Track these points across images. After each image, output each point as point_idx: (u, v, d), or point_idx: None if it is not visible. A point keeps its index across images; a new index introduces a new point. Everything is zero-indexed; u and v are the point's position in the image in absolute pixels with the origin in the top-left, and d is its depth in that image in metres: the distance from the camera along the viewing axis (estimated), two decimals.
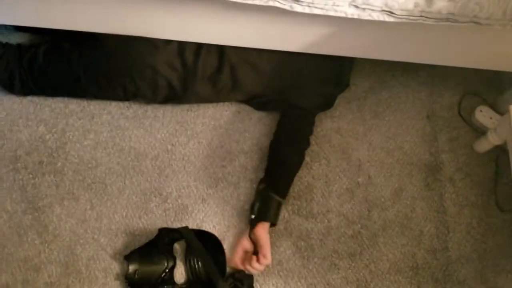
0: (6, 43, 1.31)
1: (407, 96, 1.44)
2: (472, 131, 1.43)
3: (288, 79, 1.29)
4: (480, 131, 1.41)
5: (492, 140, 1.31)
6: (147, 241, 1.19)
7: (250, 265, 1.15)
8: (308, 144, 1.31)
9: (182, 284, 1.18)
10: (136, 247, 1.19)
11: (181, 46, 1.21)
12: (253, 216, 1.21)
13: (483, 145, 1.36)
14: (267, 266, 1.19)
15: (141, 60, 1.21)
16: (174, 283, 1.17)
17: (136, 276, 1.14)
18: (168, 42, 1.20)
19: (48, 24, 1.11)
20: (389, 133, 1.39)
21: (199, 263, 1.19)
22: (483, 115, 1.41)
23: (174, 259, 1.18)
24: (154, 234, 1.19)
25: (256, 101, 1.36)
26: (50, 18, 1.10)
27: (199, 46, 1.22)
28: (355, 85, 1.43)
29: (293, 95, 1.30)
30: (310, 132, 1.32)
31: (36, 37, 1.38)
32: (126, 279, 1.14)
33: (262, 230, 1.18)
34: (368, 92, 1.44)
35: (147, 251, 1.17)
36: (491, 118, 1.41)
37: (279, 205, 1.22)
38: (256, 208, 1.23)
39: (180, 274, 1.19)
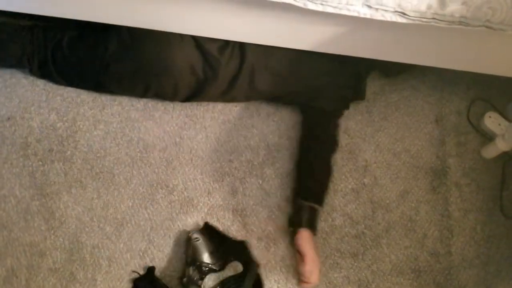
0: (34, 24, 1.30)
1: (417, 99, 1.44)
2: (480, 136, 1.42)
3: (306, 82, 1.29)
4: (488, 137, 1.41)
5: (500, 146, 1.31)
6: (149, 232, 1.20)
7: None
8: (335, 144, 1.31)
9: None
10: (140, 237, 1.20)
11: (204, 48, 1.21)
12: (291, 229, 1.23)
13: (491, 151, 1.36)
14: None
15: (169, 60, 1.21)
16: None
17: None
18: (192, 44, 1.21)
19: (61, 13, 1.12)
20: (397, 135, 1.39)
21: None
22: (492, 121, 1.41)
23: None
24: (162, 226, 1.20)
25: (276, 101, 1.37)
26: (66, 7, 1.11)
27: (221, 49, 1.22)
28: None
29: (311, 97, 1.31)
30: (335, 132, 1.32)
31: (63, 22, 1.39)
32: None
33: (301, 239, 1.18)
34: (378, 93, 1.44)
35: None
36: (499, 124, 1.41)
37: (312, 211, 1.22)
38: (289, 218, 1.25)
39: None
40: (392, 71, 1.41)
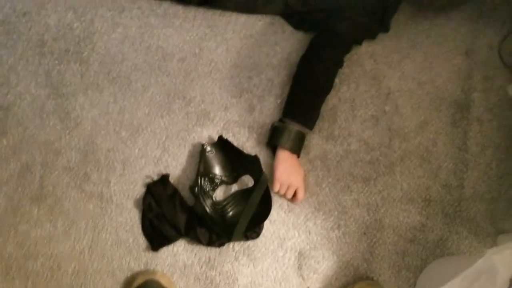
0: None
1: (449, 28, 1.37)
2: (509, 73, 1.37)
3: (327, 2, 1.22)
4: None
5: None
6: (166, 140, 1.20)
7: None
8: (334, 75, 1.25)
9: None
10: (155, 145, 1.20)
11: None
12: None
13: None
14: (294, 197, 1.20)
15: None
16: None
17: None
18: None
19: None
20: (424, 64, 1.34)
21: (237, 209, 1.19)
22: None
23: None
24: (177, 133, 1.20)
25: (294, 18, 1.30)
26: None
27: None
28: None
29: (333, 18, 1.24)
30: (340, 64, 1.26)
31: None
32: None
33: (275, 159, 1.18)
34: (409, 19, 1.37)
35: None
36: None
37: (299, 134, 1.18)
38: (269, 135, 1.23)
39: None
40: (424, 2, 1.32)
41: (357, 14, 1.23)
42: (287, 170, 1.17)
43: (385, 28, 1.29)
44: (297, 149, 1.19)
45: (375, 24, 1.27)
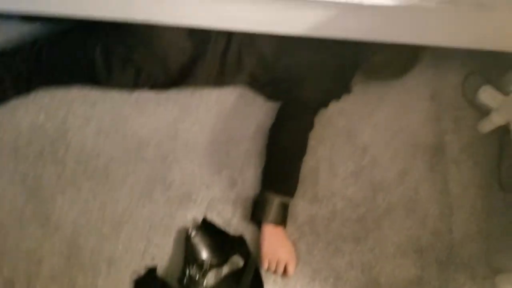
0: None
1: (412, 77, 1.41)
2: (476, 111, 1.41)
3: (291, 68, 1.26)
4: (484, 112, 1.40)
5: (495, 120, 1.30)
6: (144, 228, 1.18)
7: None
8: (306, 139, 1.26)
9: None
10: (139, 237, 1.19)
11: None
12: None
13: (487, 126, 1.35)
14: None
15: (156, 41, 1.17)
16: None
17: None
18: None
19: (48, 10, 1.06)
20: (393, 114, 1.38)
21: None
22: (487, 96, 1.39)
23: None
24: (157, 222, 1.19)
25: (259, 86, 1.34)
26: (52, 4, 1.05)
27: (209, 30, 1.19)
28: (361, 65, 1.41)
29: (293, 85, 1.27)
30: (309, 128, 1.27)
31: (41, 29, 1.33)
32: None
33: (262, 235, 1.18)
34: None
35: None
36: (494, 98, 1.39)
37: (281, 205, 1.18)
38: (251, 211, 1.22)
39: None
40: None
41: (319, 80, 1.27)
42: (273, 245, 1.16)
43: (348, 90, 1.33)
44: (281, 221, 1.19)
45: (338, 87, 1.31)
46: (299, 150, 1.26)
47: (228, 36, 1.21)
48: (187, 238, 1.18)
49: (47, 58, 1.20)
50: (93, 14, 1.05)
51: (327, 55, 1.26)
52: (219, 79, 1.30)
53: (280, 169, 1.24)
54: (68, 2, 1.03)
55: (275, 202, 1.18)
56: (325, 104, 1.33)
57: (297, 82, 1.28)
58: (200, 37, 1.19)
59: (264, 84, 1.32)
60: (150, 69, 1.22)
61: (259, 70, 1.27)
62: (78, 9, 1.04)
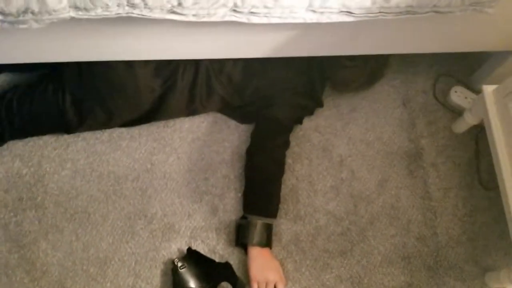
0: None
1: (382, 85, 1.44)
2: (449, 112, 1.43)
3: (261, 88, 1.28)
4: (457, 112, 1.41)
5: (469, 120, 1.31)
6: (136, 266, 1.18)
7: None
8: (283, 158, 1.27)
9: None
10: (126, 273, 1.18)
11: (158, 64, 1.20)
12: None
13: (461, 126, 1.37)
14: None
15: (129, 85, 1.19)
16: None
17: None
18: (145, 63, 1.19)
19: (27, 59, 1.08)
20: (367, 125, 1.39)
21: None
22: (458, 96, 1.41)
23: None
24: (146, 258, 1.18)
25: (230, 110, 1.35)
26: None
27: (176, 62, 1.21)
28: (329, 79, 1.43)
29: (268, 105, 1.29)
30: (285, 146, 1.29)
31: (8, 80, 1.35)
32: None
33: (249, 258, 1.18)
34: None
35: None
36: (466, 97, 1.41)
37: (264, 226, 1.18)
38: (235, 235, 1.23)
39: None
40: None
41: (289, 97, 1.28)
42: (260, 267, 1.16)
43: (319, 104, 1.34)
44: (266, 242, 1.19)
45: (309, 101, 1.32)
46: (277, 170, 1.27)
47: (196, 64, 1.23)
48: (174, 269, 1.18)
49: (18, 111, 1.21)
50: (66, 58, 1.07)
51: (295, 72, 1.29)
52: (191, 108, 1.31)
53: (259, 191, 1.24)
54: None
55: (258, 224, 1.18)
56: (298, 120, 1.34)
57: (268, 101, 1.29)
58: (168, 72, 1.21)
59: (236, 107, 1.34)
60: (121, 112, 1.24)
61: (229, 94, 1.29)
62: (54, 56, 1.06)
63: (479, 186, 1.34)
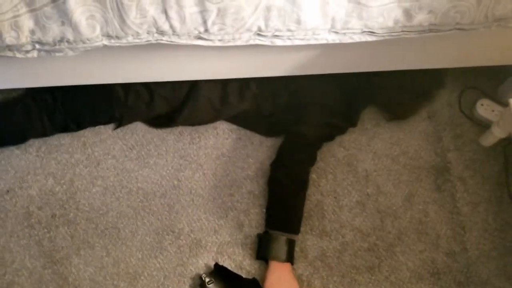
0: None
1: None
2: (476, 126, 1.41)
3: (295, 97, 1.29)
4: (484, 125, 1.39)
5: (496, 133, 1.29)
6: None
7: None
8: (306, 174, 1.28)
9: None
10: (155, 287, 1.21)
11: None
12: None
13: (489, 139, 1.35)
14: None
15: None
16: None
17: None
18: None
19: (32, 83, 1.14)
20: (392, 139, 1.38)
21: None
22: (485, 109, 1.39)
23: None
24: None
25: (258, 119, 1.36)
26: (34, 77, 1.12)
27: None
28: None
29: (295, 120, 1.30)
30: (310, 163, 1.29)
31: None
32: None
33: (267, 270, 1.19)
34: None
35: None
36: (493, 110, 1.39)
37: (287, 242, 1.19)
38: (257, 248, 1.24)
39: None
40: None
41: (320, 114, 1.29)
42: (276, 281, 1.17)
43: (353, 124, 1.34)
44: (287, 257, 1.19)
45: (341, 121, 1.33)
46: (301, 185, 1.27)
47: (223, 84, 1.27)
48: (202, 285, 1.20)
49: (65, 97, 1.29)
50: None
51: (331, 88, 1.29)
52: (222, 107, 1.33)
53: (282, 207, 1.25)
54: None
55: (280, 239, 1.19)
56: (328, 138, 1.34)
57: (297, 116, 1.30)
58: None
59: (264, 116, 1.35)
60: (161, 90, 1.30)
61: (264, 96, 1.31)
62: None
63: (509, 200, 1.31)
